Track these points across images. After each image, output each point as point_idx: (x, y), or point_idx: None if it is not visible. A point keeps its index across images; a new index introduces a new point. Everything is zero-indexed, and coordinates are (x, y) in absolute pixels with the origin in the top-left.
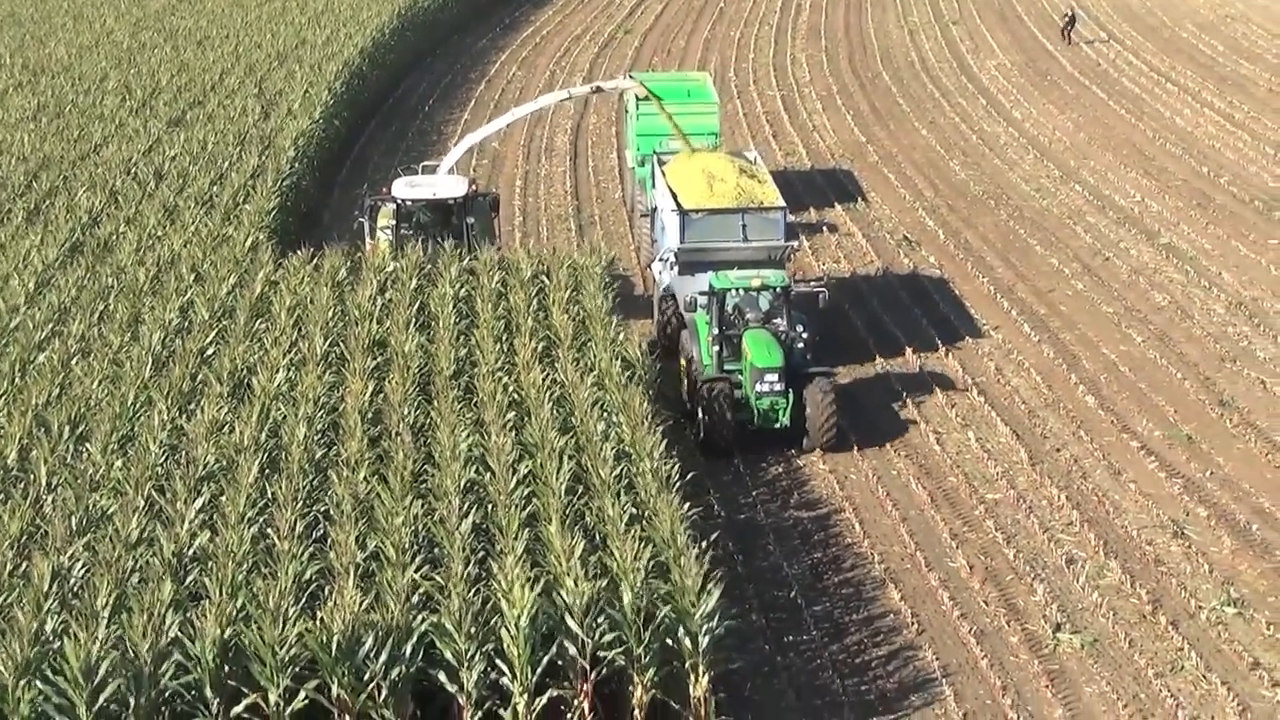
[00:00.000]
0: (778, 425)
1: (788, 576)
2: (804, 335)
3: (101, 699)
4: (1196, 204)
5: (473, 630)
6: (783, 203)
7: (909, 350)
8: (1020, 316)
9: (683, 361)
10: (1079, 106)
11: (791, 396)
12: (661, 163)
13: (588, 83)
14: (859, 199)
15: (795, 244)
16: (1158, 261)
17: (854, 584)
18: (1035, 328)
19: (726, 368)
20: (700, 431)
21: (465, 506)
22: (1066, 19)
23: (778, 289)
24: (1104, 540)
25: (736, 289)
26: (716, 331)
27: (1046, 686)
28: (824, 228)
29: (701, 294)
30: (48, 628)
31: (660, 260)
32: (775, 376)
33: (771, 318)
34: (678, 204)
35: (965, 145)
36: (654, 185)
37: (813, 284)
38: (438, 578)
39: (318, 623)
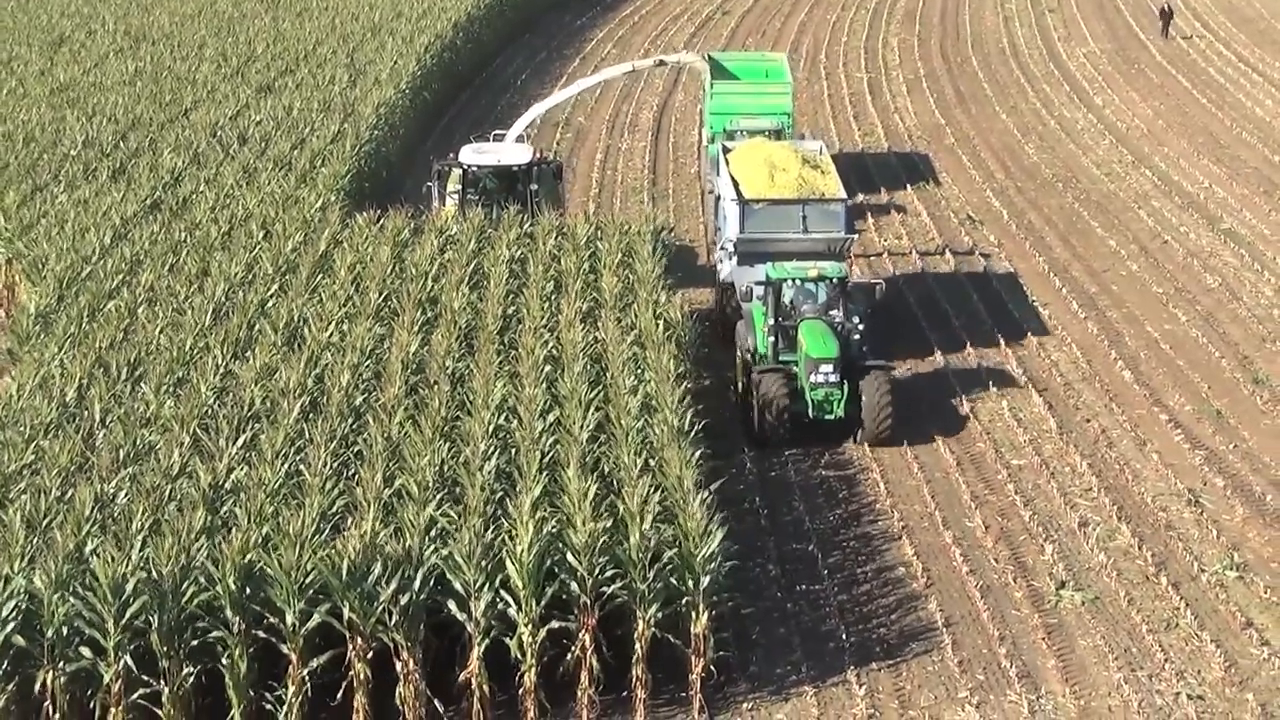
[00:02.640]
0: (832, 417)
1: (808, 530)
2: (860, 327)
3: (128, 614)
4: (1263, 191)
5: (481, 563)
6: (844, 194)
7: (955, 322)
8: (1070, 294)
9: (738, 351)
10: (1161, 95)
11: (847, 388)
12: (726, 150)
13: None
14: (930, 179)
15: (856, 236)
16: (1215, 245)
17: (870, 539)
18: (1083, 305)
19: (782, 358)
20: (755, 422)
21: (490, 450)
22: (1162, 14)
23: (834, 280)
24: (1119, 506)
25: (793, 280)
26: (772, 322)
27: (1043, 639)
28: (892, 208)
29: (758, 284)
30: (87, 549)
31: (721, 249)
32: (830, 367)
33: (828, 309)
34: (738, 193)
35: (1043, 130)
36: (718, 173)
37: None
38: (455, 514)
39: (332, 550)
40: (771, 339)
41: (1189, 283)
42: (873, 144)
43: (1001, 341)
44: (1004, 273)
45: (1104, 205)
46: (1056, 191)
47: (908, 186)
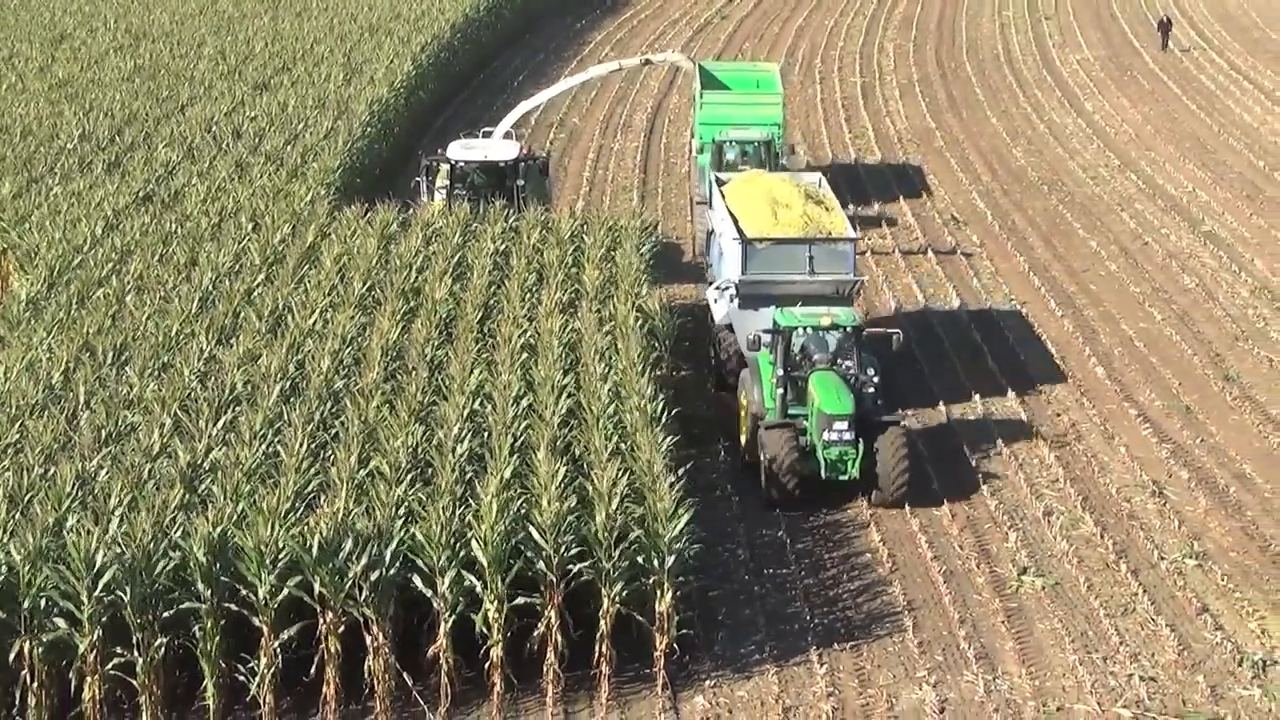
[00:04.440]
0: (846, 478)
1: (778, 516)
2: (875, 379)
3: (100, 585)
4: (1246, 195)
5: (448, 541)
6: (853, 233)
7: (931, 320)
8: (1049, 293)
9: (742, 402)
10: (1152, 101)
11: (862, 446)
12: (720, 183)
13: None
14: (916, 181)
15: (865, 278)
16: (1194, 247)
17: (839, 526)
18: (1061, 304)
19: (791, 412)
20: (763, 481)
21: (463, 433)
22: (1161, 25)
23: (848, 329)
24: (1084, 496)
25: (804, 327)
26: (781, 373)
27: (1002, 622)
28: (883, 220)
29: (765, 332)
30: (67, 524)
31: (717, 289)
32: (845, 425)
33: (840, 358)
34: (740, 231)
35: (1031, 134)
36: (711, 206)
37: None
38: (425, 494)
39: (304, 527)
40: (780, 391)
41: (1166, 283)
42: (863, 145)
43: (978, 338)
44: (983, 272)
45: (1087, 207)
46: (1041, 194)
47: (900, 199)
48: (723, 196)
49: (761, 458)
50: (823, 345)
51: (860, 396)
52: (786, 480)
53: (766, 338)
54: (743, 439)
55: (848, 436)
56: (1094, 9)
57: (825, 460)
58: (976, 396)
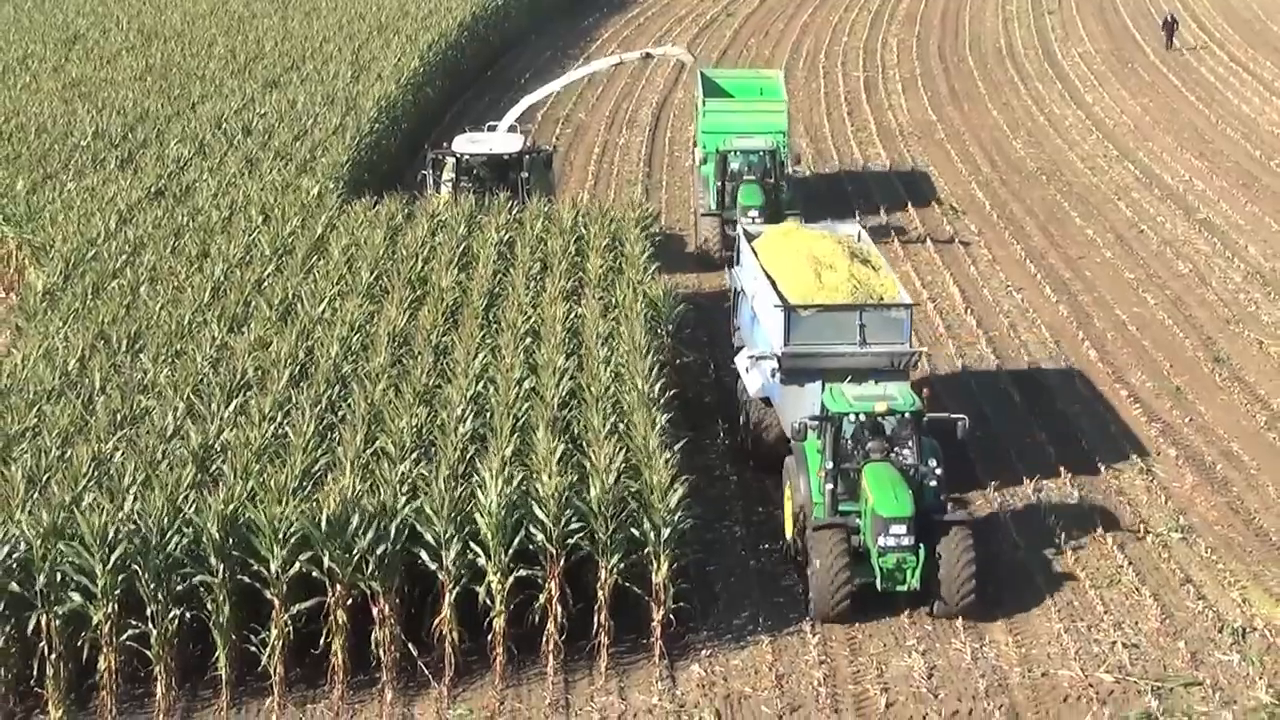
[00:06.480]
0: (904, 588)
1: (774, 494)
2: (938, 471)
3: (113, 559)
4: (1242, 184)
5: (451, 515)
6: (908, 298)
7: (929, 306)
8: (1044, 279)
9: (787, 493)
10: (1152, 93)
11: (922, 552)
12: (750, 236)
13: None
14: (924, 186)
15: (924, 349)
16: (1189, 234)
17: None
18: (1056, 290)
19: (841, 508)
20: (809, 590)
21: (466, 413)
22: (1166, 24)
23: (907, 414)
24: (1073, 472)
25: (856, 414)
26: (830, 466)
27: (990, 594)
28: (891, 230)
29: (813, 419)
30: (83, 502)
31: (750, 357)
32: (904, 529)
33: (896, 446)
34: (780, 297)
35: (1032, 125)
36: (738, 261)
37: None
38: (428, 471)
39: (313, 503)
40: (829, 486)
41: (1161, 269)
42: (864, 138)
43: (975, 324)
44: (981, 259)
45: (1085, 197)
46: (1040, 183)
47: (909, 206)
48: (754, 254)
49: (808, 562)
50: (878, 432)
51: (920, 492)
52: (836, 590)
53: (814, 423)
54: (788, 533)
55: (906, 542)
56: (1096, 3)
57: (881, 569)
58: (971, 380)
